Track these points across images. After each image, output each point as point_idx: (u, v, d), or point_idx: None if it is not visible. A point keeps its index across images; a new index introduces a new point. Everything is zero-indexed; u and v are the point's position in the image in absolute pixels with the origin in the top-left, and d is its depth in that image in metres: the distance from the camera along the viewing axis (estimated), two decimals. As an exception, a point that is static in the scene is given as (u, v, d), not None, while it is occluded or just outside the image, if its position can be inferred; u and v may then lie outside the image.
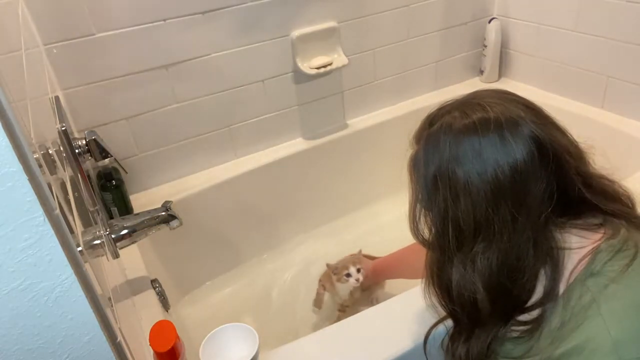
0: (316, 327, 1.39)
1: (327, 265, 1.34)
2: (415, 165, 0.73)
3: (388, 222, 1.70)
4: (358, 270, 1.25)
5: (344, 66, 1.50)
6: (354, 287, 1.28)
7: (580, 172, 0.68)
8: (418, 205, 0.74)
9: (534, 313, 0.70)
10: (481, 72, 1.87)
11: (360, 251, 1.35)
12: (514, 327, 0.73)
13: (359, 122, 1.70)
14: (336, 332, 0.95)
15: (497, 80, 1.86)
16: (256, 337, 0.87)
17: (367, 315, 0.98)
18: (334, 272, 1.28)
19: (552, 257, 0.67)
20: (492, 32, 1.77)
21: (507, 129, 0.65)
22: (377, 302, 1.32)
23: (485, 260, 0.67)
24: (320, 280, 1.40)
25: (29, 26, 1.08)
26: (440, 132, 0.68)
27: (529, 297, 0.70)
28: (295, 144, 1.61)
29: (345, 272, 1.25)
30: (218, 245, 1.55)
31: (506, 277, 0.68)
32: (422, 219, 0.74)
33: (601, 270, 0.64)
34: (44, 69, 1.06)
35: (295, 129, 1.61)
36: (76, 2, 1.16)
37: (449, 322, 0.79)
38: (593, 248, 0.66)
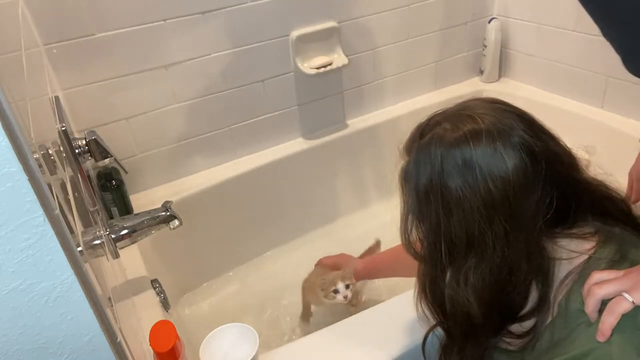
0: (316, 328, 1.39)
1: (309, 278, 1.29)
2: (406, 177, 0.71)
3: (388, 222, 1.70)
4: (347, 287, 1.21)
5: (344, 66, 1.50)
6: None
7: (574, 181, 0.68)
8: (410, 218, 0.73)
9: (526, 325, 0.70)
10: (481, 72, 1.87)
11: (350, 266, 1.29)
12: (506, 340, 0.72)
13: (359, 122, 1.70)
14: (335, 333, 0.95)
15: (497, 80, 1.86)
16: (256, 337, 0.87)
17: (366, 316, 0.98)
18: (322, 288, 1.23)
19: (543, 269, 0.66)
20: (492, 32, 1.77)
21: (499, 140, 0.64)
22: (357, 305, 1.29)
23: (479, 274, 0.66)
24: (304, 297, 1.35)
25: (29, 26, 1.08)
26: (431, 144, 0.67)
27: (521, 309, 0.69)
28: (295, 144, 1.61)
29: (333, 288, 1.20)
30: (218, 245, 1.55)
31: (499, 290, 0.67)
32: (414, 231, 0.73)
33: None
34: (44, 69, 1.06)
35: (295, 129, 1.61)
36: (76, 2, 1.16)
37: (441, 331, 0.79)
38: (585, 258, 0.65)
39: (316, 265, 1.38)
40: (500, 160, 0.63)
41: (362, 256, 1.39)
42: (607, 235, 0.67)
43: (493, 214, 0.64)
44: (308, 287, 1.33)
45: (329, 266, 1.32)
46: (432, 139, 0.67)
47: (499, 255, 0.65)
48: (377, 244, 1.42)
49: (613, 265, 0.63)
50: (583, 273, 0.64)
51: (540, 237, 0.66)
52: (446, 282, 0.69)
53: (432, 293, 0.74)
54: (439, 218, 0.67)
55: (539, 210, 0.64)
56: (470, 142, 0.64)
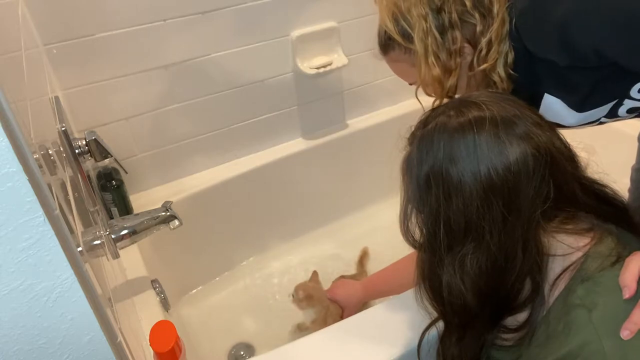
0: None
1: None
2: (408, 165, 0.73)
3: (388, 222, 1.68)
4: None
5: (344, 66, 1.50)
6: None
7: (573, 176, 0.68)
8: (409, 206, 0.73)
9: (520, 318, 0.70)
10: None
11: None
12: (502, 336, 0.73)
13: (359, 122, 1.70)
14: (336, 332, 0.96)
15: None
16: None
17: (367, 316, 0.99)
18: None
19: (538, 260, 0.67)
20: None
21: (502, 128, 0.65)
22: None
23: (475, 260, 0.67)
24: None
25: (29, 26, 1.08)
26: (435, 131, 0.68)
27: (516, 299, 0.70)
28: (295, 144, 1.61)
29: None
30: (218, 246, 1.55)
31: (494, 278, 0.68)
32: (413, 220, 0.74)
33: (589, 277, 0.64)
34: (44, 69, 1.06)
35: (295, 129, 1.61)
36: (76, 2, 1.16)
37: (441, 325, 0.79)
38: (581, 254, 0.66)
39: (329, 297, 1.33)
40: (503, 149, 0.64)
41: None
42: (603, 232, 0.68)
43: (492, 200, 0.64)
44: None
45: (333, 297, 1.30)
46: (436, 126, 0.68)
47: (496, 242, 0.66)
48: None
49: (607, 263, 0.64)
50: (582, 269, 0.65)
51: (536, 228, 0.66)
52: (444, 269, 0.70)
53: (430, 280, 0.74)
54: (439, 204, 0.67)
55: (536, 200, 0.65)
56: (474, 128, 0.65)
